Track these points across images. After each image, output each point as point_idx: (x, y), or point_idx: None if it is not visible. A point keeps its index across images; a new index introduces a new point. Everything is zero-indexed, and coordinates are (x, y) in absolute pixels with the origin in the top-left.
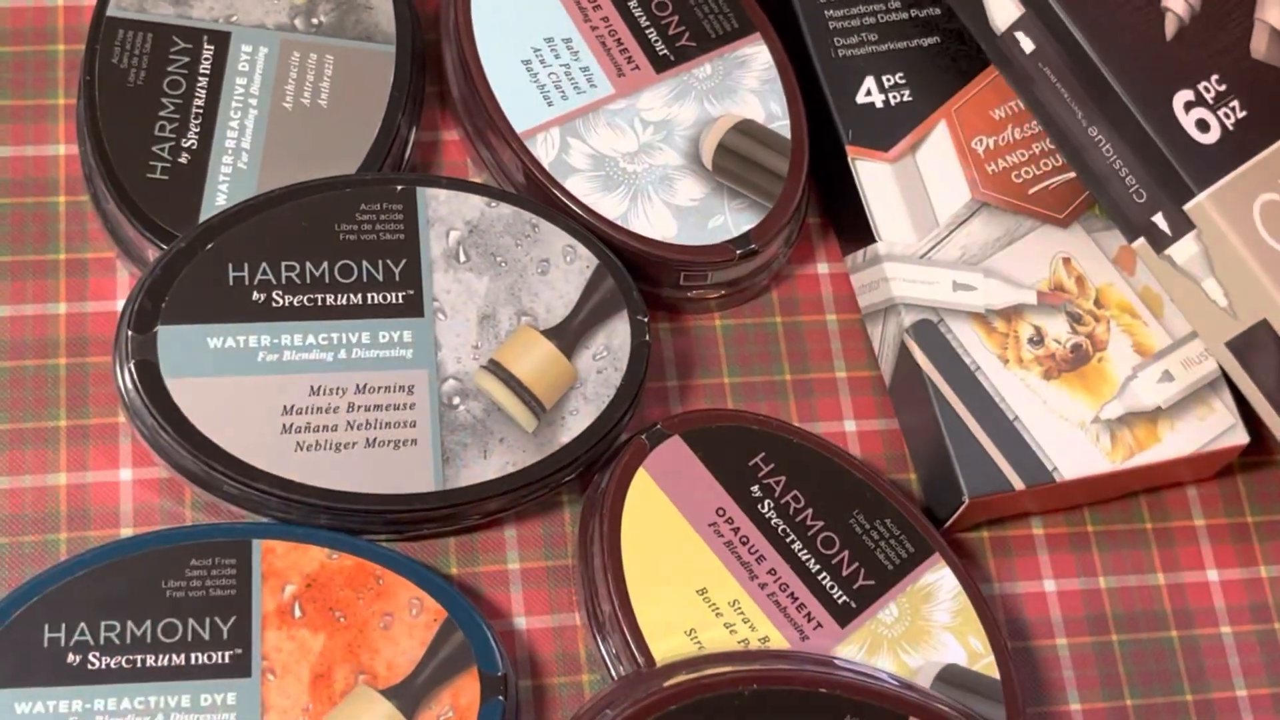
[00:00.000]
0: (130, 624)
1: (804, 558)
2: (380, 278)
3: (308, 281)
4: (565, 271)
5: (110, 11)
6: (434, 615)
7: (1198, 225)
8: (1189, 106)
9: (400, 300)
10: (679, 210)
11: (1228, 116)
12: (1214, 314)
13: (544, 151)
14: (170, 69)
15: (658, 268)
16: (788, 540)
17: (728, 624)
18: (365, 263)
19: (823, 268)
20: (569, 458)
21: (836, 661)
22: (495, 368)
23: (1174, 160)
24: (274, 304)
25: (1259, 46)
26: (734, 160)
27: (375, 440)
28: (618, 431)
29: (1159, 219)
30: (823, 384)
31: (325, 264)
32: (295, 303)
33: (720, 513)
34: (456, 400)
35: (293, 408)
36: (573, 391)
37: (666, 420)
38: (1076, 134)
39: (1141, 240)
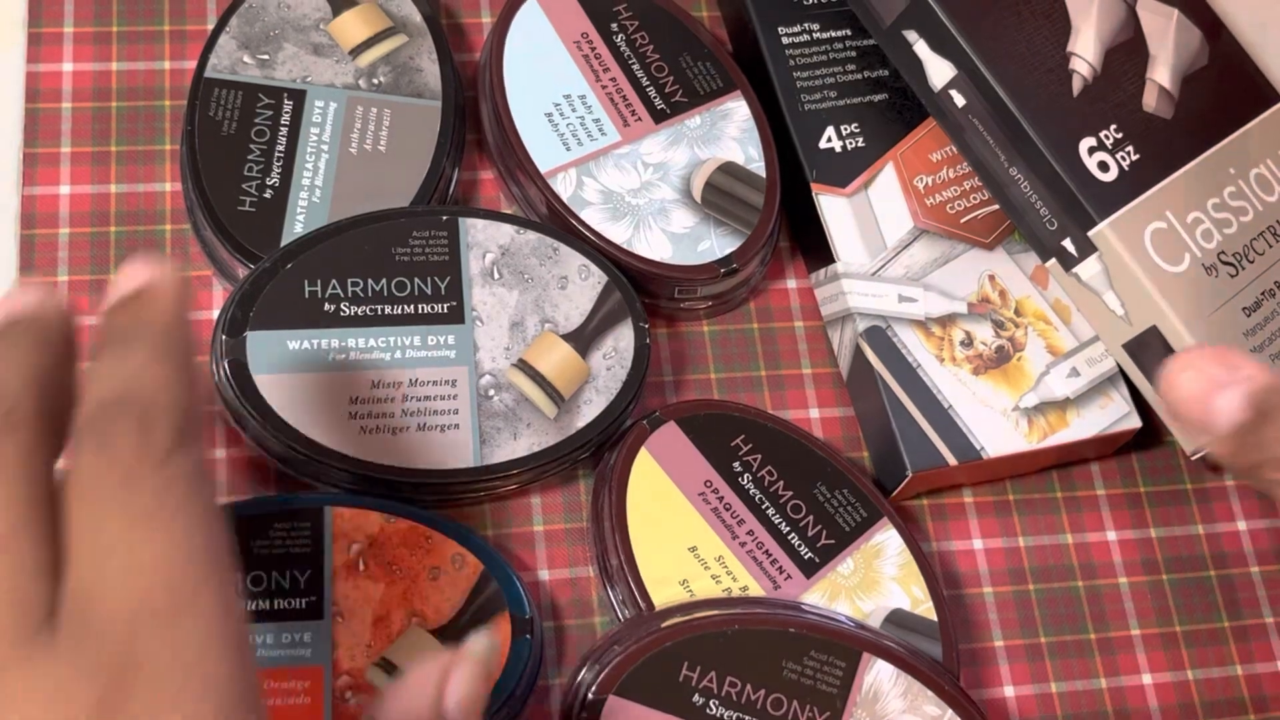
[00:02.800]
0: None
1: (776, 521)
2: (429, 291)
3: (369, 295)
4: (580, 286)
5: (208, 74)
6: (473, 569)
7: (1099, 248)
8: (1092, 151)
9: (445, 310)
10: (674, 236)
11: (1124, 159)
12: (1112, 321)
13: (563, 188)
14: (257, 121)
15: (656, 283)
16: (763, 507)
17: (714, 576)
18: (416, 279)
19: (791, 283)
20: (584, 439)
21: (803, 606)
22: (523, 365)
23: (1080, 195)
24: (341, 313)
25: (1149, 101)
26: (719, 195)
27: (425, 425)
28: (624, 417)
29: (1067, 243)
30: (792, 379)
31: (384, 281)
32: (359, 312)
33: (708, 484)
34: (491, 392)
35: (357, 398)
36: (587, 385)
37: (664, 409)
38: (999, 173)
39: (1053, 260)
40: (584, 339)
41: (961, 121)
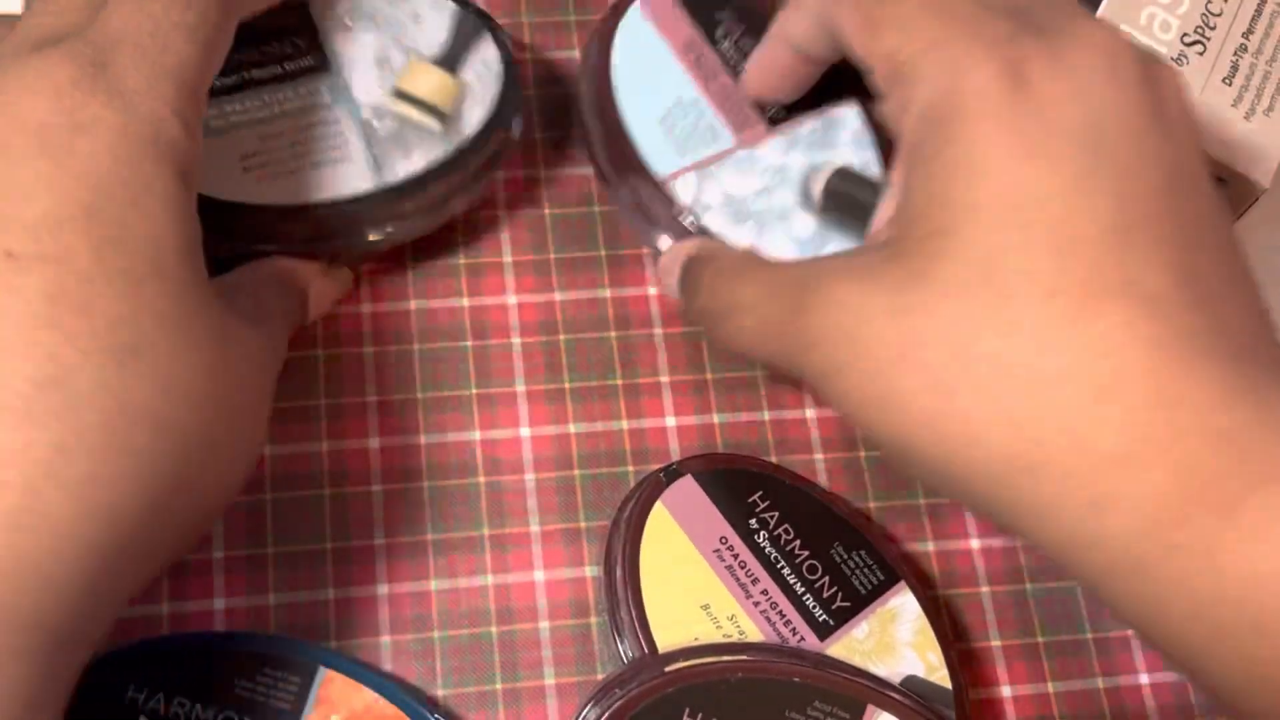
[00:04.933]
0: (198, 705)
1: (791, 581)
2: (289, 51)
3: (232, 66)
4: (433, 17)
5: None
6: None
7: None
8: None
9: (310, 64)
10: (799, 241)
11: None
12: None
13: (684, 192)
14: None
15: None
16: (779, 566)
17: (726, 635)
18: (274, 42)
19: None
20: (476, 147)
21: (807, 655)
22: (399, 93)
23: None
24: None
25: None
26: (838, 200)
27: (317, 161)
28: (507, 121)
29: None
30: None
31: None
32: (227, 83)
33: (723, 540)
34: (375, 122)
35: (248, 154)
36: (466, 99)
37: (680, 462)
38: None
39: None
40: (450, 59)
41: None
